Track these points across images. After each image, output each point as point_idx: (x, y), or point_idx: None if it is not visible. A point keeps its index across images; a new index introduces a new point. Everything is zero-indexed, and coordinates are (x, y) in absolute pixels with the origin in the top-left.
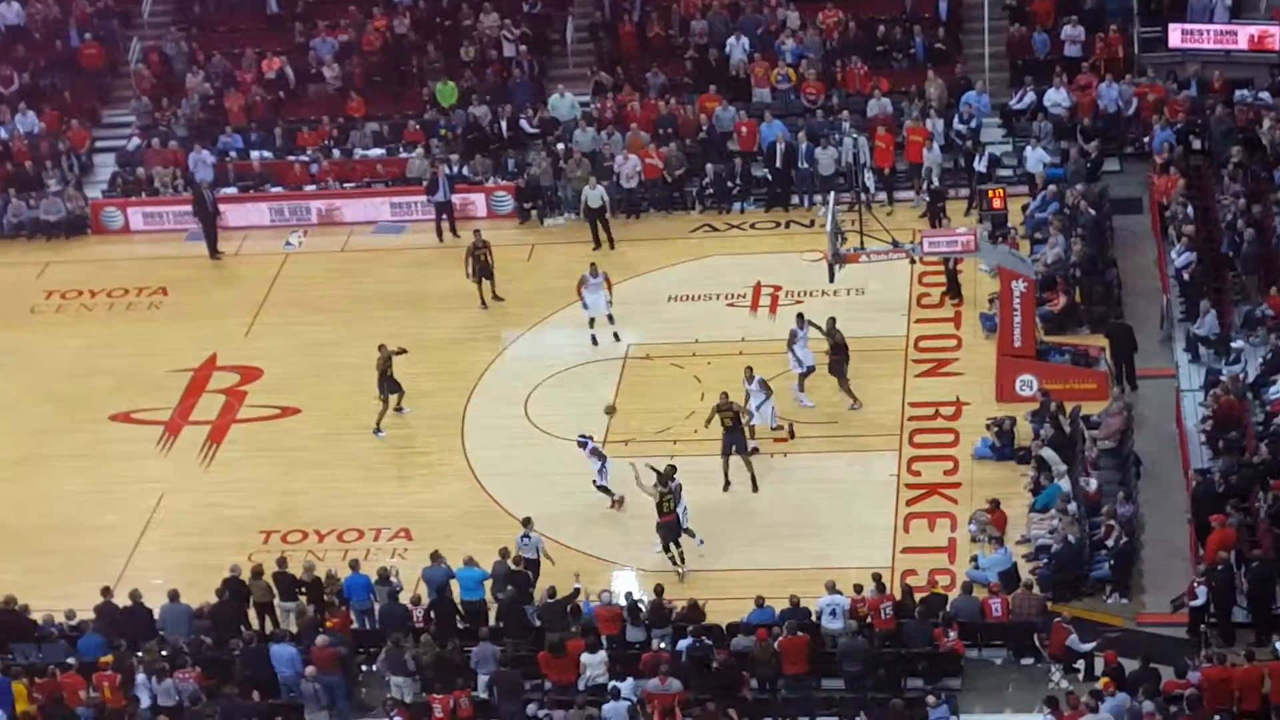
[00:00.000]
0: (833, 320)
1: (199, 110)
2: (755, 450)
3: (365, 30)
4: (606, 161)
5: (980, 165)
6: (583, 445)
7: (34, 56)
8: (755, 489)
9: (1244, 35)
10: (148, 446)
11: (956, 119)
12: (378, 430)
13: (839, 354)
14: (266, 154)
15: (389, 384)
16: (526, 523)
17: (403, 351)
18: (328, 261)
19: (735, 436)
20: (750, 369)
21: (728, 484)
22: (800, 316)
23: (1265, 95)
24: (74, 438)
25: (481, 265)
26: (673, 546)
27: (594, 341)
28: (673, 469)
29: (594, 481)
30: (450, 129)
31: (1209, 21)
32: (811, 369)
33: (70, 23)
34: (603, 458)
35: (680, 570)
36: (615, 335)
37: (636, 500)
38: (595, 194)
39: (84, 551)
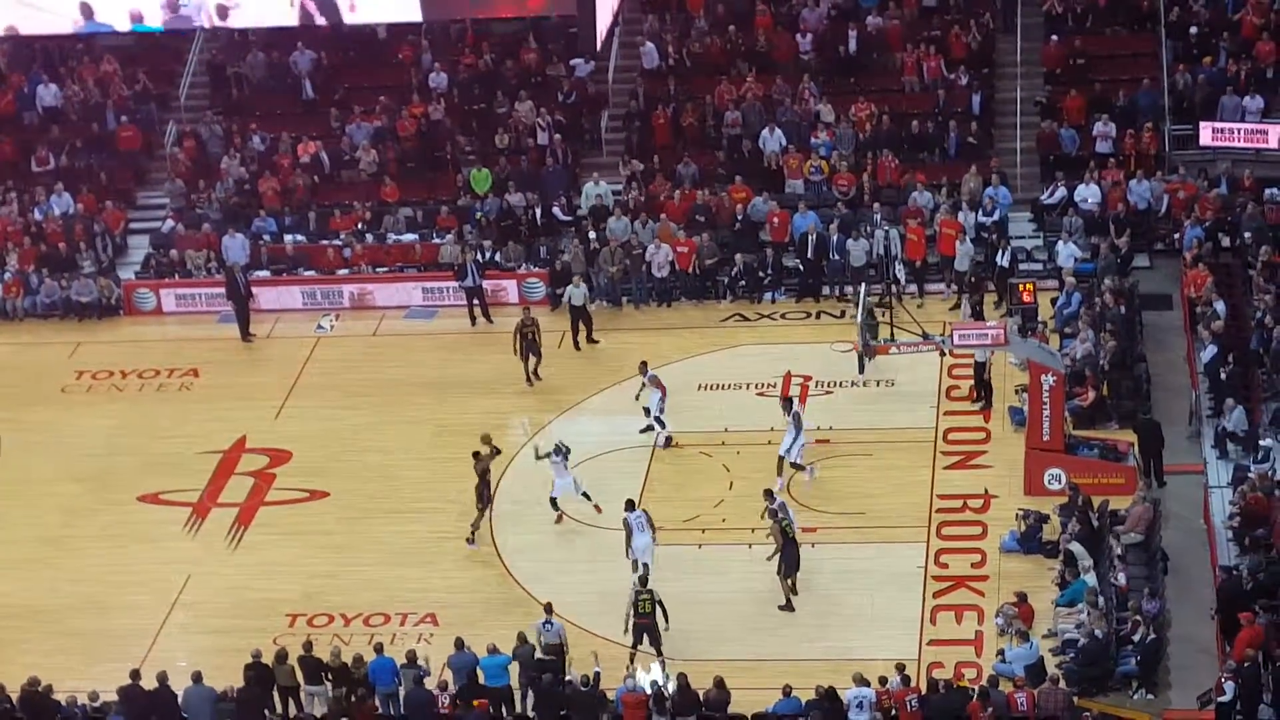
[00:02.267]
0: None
1: (233, 193)
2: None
3: (400, 116)
4: (637, 250)
5: (1003, 260)
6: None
7: (70, 138)
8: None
9: (1274, 134)
10: (175, 528)
11: (980, 212)
12: (471, 540)
13: None
14: (300, 237)
15: (485, 490)
16: (548, 609)
17: (497, 451)
18: (359, 345)
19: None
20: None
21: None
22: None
23: None
24: (102, 518)
25: (529, 342)
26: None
27: (651, 428)
28: (647, 570)
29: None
30: (484, 215)
31: (1240, 120)
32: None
33: (108, 105)
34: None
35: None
36: (666, 438)
37: (670, 591)
38: (579, 292)
39: (110, 632)
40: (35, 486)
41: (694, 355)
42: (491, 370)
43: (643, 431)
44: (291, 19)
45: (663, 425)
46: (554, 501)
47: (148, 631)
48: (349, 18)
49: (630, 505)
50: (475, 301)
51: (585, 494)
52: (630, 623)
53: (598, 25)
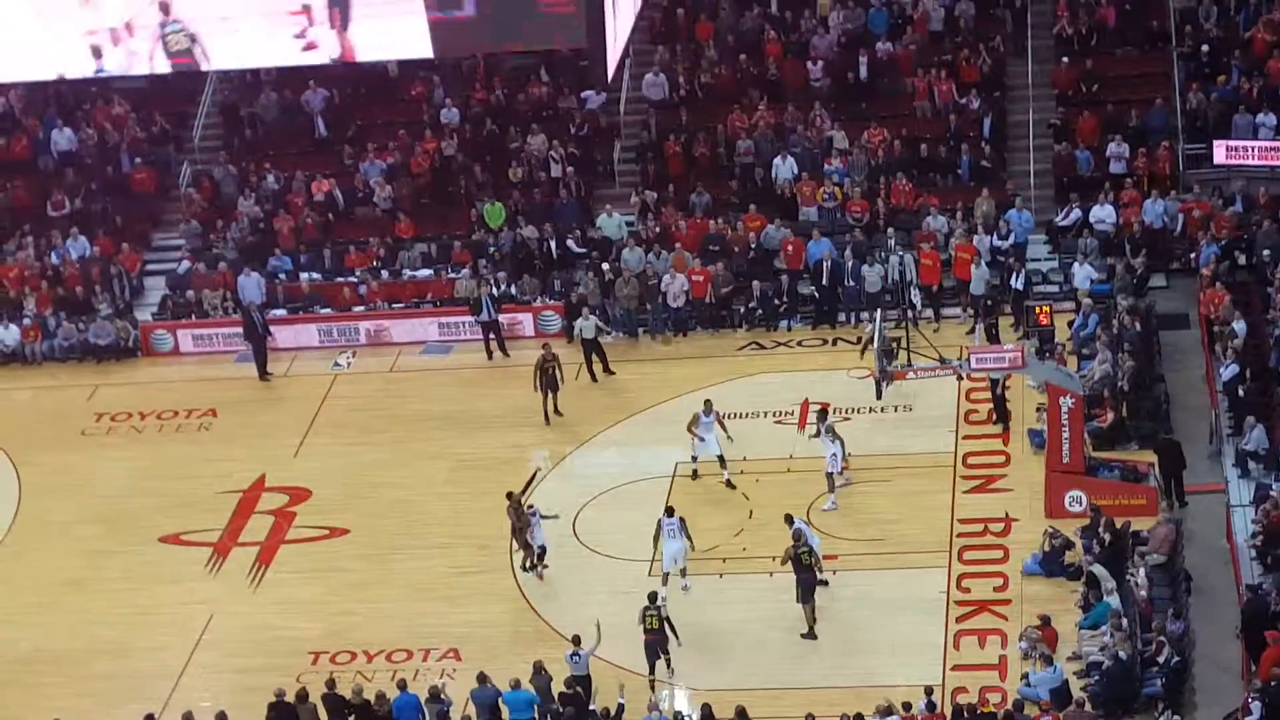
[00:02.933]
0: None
1: (248, 233)
2: (824, 582)
3: (413, 152)
4: (652, 280)
5: (1017, 283)
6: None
7: (86, 181)
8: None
9: None
10: (197, 568)
11: (996, 236)
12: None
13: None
14: (315, 275)
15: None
16: (576, 640)
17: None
18: (376, 382)
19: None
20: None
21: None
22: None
23: None
24: (123, 559)
25: (549, 378)
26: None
27: (731, 485)
28: (655, 594)
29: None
30: (498, 249)
31: (1253, 138)
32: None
33: (122, 148)
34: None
35: (670, 673)
36: (728, 482)
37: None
38: (589, 325)
39: (133, 674)
40: (56, 529)
41: (711, 385)
42: (509, 405)
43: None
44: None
45: (723, 464)
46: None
47: (171, 672)
48: (360, 56)
49: (669, 511)
50: (491, 336)
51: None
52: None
53: (608, 58)
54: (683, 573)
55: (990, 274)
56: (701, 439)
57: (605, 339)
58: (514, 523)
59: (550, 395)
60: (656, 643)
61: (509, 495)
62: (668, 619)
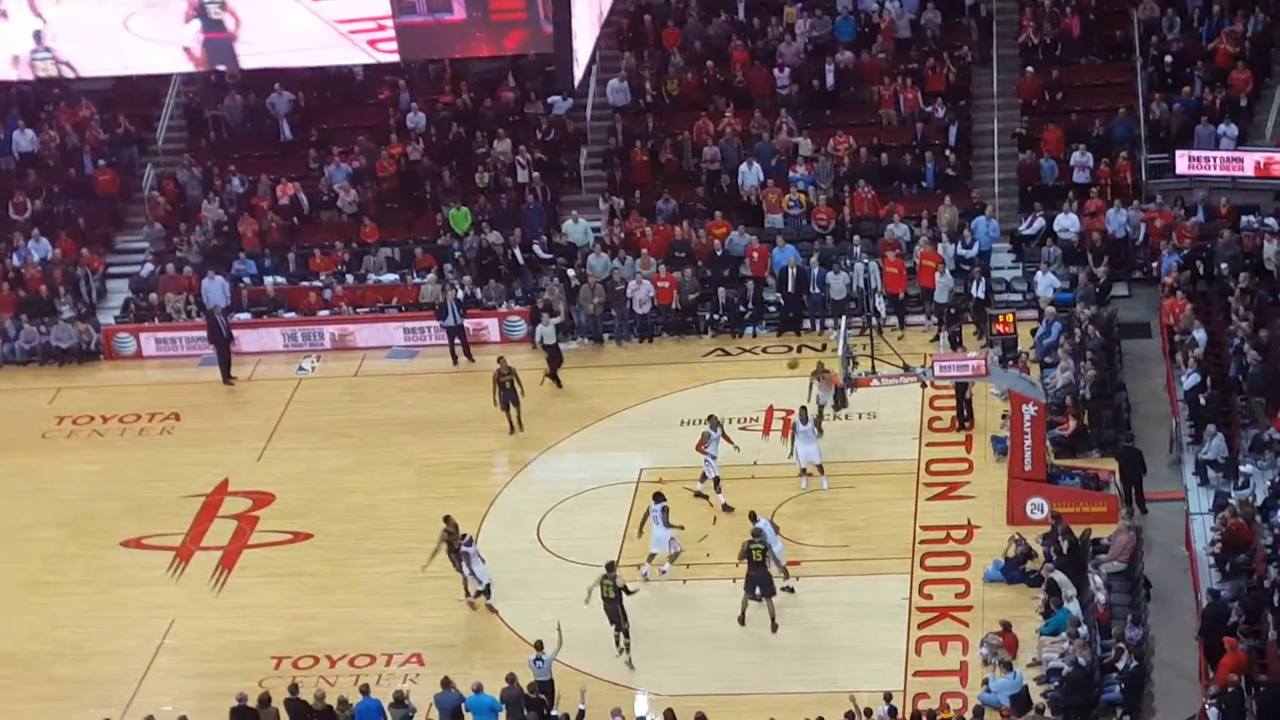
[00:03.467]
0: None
1: (212, 236)
2: (789, 589)
3: (379, 156)
4: (619, 286)
5: (978, 291)
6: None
7: (47, 183)
8: (774, 629)
9: (1250, 162)
10: (159, 572)
11: (960, 244)
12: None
13: None
14: (280, 279)
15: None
16: (539, 646)
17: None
18: (341, 386)
19: (761, 573)
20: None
21: (743, 619)
22: (803, 409)
23: (1271, 221)
24: (85, 563)
25: (506, 392)
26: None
27: (702, 496)
28: (611, 563)
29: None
30: (463, 254)
31: (1215, 149)
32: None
33: (84, 150)
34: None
35: (624, 646)
36: (725, 506)
37: (645, 629)
38: (549, 330)
39: (94, 678)
40: (16, 532)
41: (676, 391)
42: (473, 409)
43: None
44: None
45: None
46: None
47: (132, 677)
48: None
49: (657, 497)
50: (457, 340)
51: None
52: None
53: (575, 63)
54: (672, 559)
55: (954, 282)
56: (714, 457)
57: (570, 345)
58: (449, 544)
59: (511, 409)
60: (611, 611)
61: (445, 519)
62: (624, 588)
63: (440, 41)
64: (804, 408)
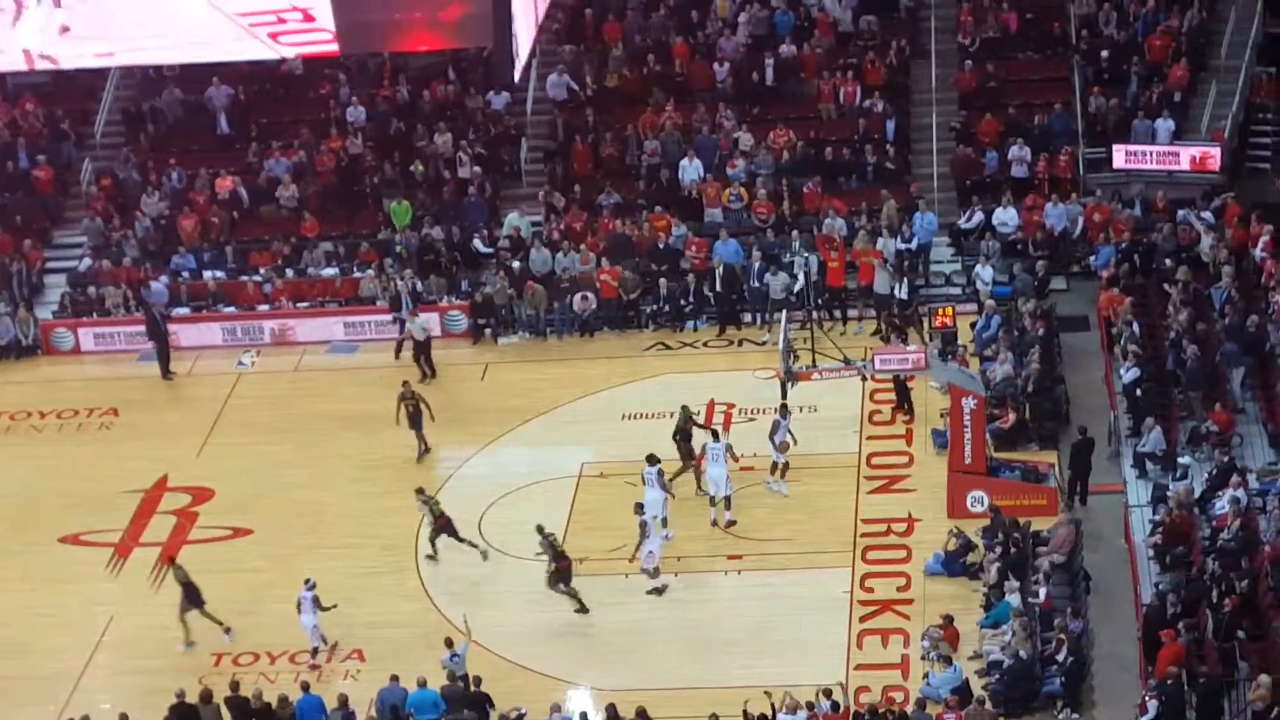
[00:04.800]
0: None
1: (151, 231)
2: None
3: (319, 151)
4: (564, 283)
5: (901, 292)
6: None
7: None
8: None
9: (1186, 156)
10: (97, 568)
11: (899, 239)
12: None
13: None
14: (220, 274)
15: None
16: (448, 643)
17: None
18: (281, 381)
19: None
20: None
21: None
22: (784, 407)
23: (1206, 215)
24: (23, 560)
25: (411, 415)
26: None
27: (714, 524)
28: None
29: None
30: (405, 248)
31: (1152, 143)
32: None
33: (20, 144)
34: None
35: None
36: (730, 522)
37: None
38: (418, 326)
39: (32, 676)
40: None
41: (617, 385)
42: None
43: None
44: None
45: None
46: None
47: (71, 674)
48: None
49: (650, 460)
50: (423, 357)
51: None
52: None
53: (515, 57)
54: (664, 523)
55: (892, 276)
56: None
57: (511, 339)
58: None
59: (417, 432)
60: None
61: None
62: (554, 544)
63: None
64: (715, 431)
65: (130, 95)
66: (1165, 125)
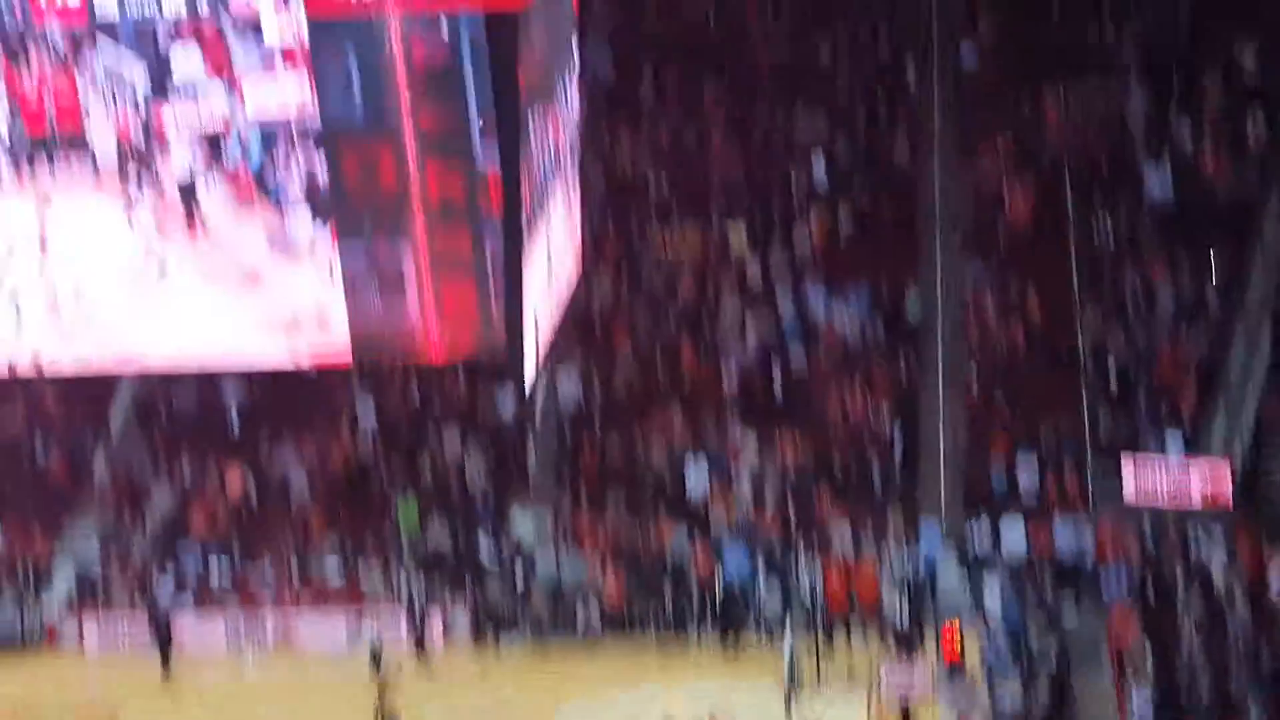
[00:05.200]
0: None
1: (160, 524)
2: None
3: (329, 453)
4: (568, 596)
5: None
6: None
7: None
8: None
9: (1196, 494)
10: None
11: (905, 557)
12: None
13: None
14: (226, 569)
15: None
16: None
17: None
18: (282, 689)
19: None
20: None
21: None
22: None
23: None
24: None
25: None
26: None
27: None
28: None
29: None
30: (411, 555)
31: (1161, 453)
32: None
33: (36, 436)
34: None
35: None
36: None
37: None
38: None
39: None
40: None
41: (618, 694)
42: (417, 709)
43: None
44: None
45: None
46: None
47: None
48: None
49: None
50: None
51: None
52: None
53: (527, 366)
54: None
55: (897, 593)
56: None
57: (513, 642)
58: None
59: None
60: None
61: None
62: None
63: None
64: None
65: (147, 388)
66: (1175, 442)
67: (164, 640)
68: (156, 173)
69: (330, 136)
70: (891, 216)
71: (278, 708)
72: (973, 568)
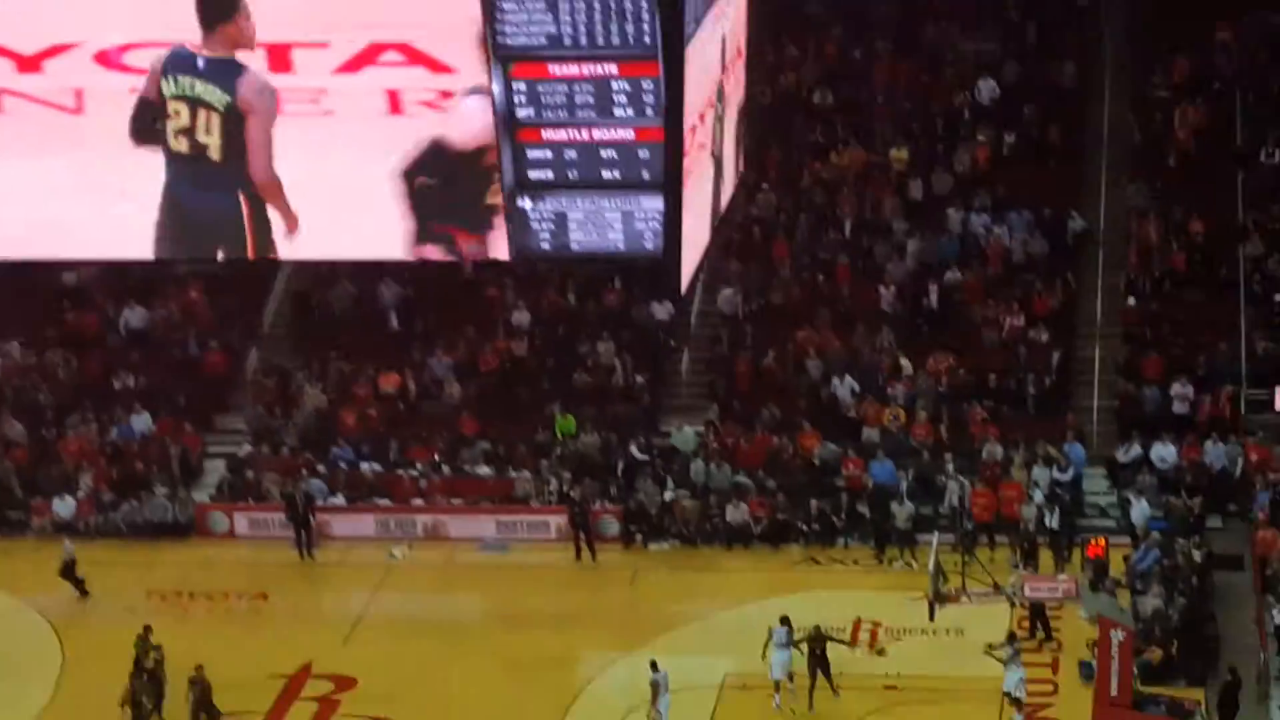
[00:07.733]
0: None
1: (312, 421)
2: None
3: (483, 352)
4: (714, 506)
5: (1052, 522)
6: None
7: (153, 360)
8: None
9: None
10: None
11: (1055, 469)
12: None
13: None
14: (377, 466)
15: None
16: None
17: None
18: (431, 576)
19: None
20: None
21: None
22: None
23: None
24: None
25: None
26: None
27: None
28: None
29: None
30: (562, 451)
31: None
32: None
33: (191, 331)
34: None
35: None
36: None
37: None
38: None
39: None
40: (96, 706)
41: (765, 598)
42: (565, 605)
43: None
44: None
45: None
46: None
47: None
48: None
49: (654, 666)
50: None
51: None
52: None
53: (683, 270)
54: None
55: (1047, 507)
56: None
57: (661, 546)
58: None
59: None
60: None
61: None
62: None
63: None
64: (785, 616)
65: (302, 287)
66: None
67: (304, 525)
68: None
69: None
70: (1058, 139)
71: (426, 587)
72: (1120, 484)
